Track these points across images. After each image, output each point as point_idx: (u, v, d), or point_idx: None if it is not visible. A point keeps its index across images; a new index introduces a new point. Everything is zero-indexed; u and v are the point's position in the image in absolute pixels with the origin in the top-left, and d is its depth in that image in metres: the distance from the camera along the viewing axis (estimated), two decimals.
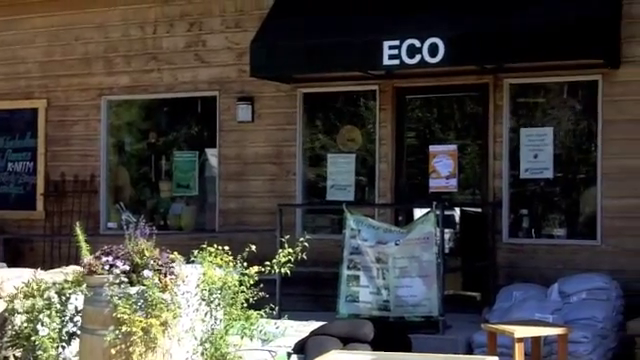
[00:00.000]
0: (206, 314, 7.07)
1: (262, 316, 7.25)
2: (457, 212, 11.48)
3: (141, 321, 6.54)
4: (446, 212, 10.24)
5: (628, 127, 9.91)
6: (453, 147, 10.85)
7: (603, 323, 8.97)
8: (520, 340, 7.53)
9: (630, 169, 9.87)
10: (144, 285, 6.68)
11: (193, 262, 7.32)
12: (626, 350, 9.08)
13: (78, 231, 7.43)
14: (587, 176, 10.42)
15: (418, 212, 10.45)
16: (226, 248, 7.33)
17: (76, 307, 7.16)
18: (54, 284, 7.23)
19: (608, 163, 10.01)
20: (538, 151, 10.39)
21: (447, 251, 10.88)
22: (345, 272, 9.84)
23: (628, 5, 9.90)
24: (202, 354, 7.02)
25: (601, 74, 10.05)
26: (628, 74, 9.94)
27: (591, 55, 9.54)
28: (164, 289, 6.74)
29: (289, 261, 7.30)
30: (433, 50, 9.73)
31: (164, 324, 6.64)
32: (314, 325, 8.73)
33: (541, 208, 10.70)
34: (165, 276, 6.82)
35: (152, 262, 6.86)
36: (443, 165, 10.73)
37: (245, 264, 7.24)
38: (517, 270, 10.29)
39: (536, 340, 7.98)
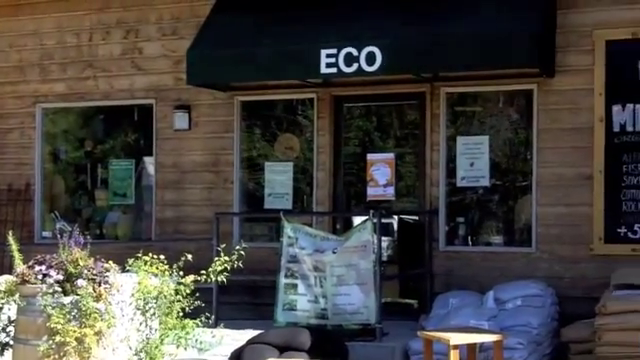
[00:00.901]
0: (141, 323, 7.03)
1: (198, 325, 7.24)
2: (395, 220, 11.52)
3: (75, 331, 6.49)
4: (384, 220, 10.27)
5: (562, 136, 10.04)
6: (390, 155, 10.90)
7: (538, 330, 9.06)
8: (455, 347, 7.57)
9: (564, 177, 10.00)
10: (78, 294, 6.64)
11: (129, 271, 7.27)
12: (561, 356, 9.20)
13: (11, 240, 7.34)
14: (523, 184, 10.53)
15: (357, 220, 10.47)
16: (162, 257, 7.29)
17: (9, 317, 7.08)
18: None
19: (543, 171, 10.13)
20: (474, 159, 10.48)
21: (385, 259, 10.90)
22: (283, 280, 9.81)
23: (563, 15, 10.03)
24: None
25: (536, 83, 10.17)
26: (563, 83, 10.07)
27: (526, 64, 9.65)
28: (98, 298, 6.69)
29: (225, 269, 7.30)
30: (370, 59, 9.78)
31: (98, 334, 6.60)
32: (251, 334, 8.70)
33: (478, 216, 10.80)
34: (99, 285, 6.78)
35: (86, 271, 6.81)
36: (381, 173, 10.77)
37: (181, 273, 7.21)
38: (454, 277, 10.36)
39: (472, 347, 8.03)
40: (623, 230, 9.78)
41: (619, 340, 8.21)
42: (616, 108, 9.83)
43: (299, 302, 9.73)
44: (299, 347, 8.19)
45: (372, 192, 10.84)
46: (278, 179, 11.28)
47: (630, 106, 9.78)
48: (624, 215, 9.77)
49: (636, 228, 9.72)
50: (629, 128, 9.78)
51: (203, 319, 7.33)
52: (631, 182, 9.76)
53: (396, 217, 11.38)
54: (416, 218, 11.07)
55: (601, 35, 9.88)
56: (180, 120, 11.59)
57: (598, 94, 9.88)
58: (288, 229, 9.84)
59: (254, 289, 10.68)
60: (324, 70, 10.00)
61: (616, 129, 9.83)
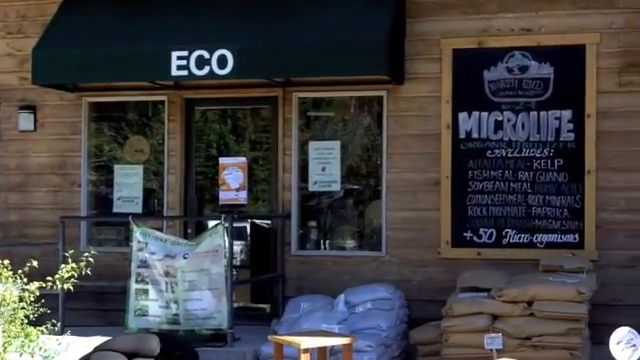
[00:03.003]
0: None
1: (43, 332, 7.04)
2: (248, 224, 11.50)
3: None
4: (237, 224, 10.23)
5: (411, 142, 10.22)
6: (242, 159, 10.87)
7: (387, 332, 9.21)
8: (306, 351, 7.61)
9: (412, 182, 10.19)
10: None
11: None
12: (409, 358, 9.39)
13: None
14: (373, 189, 10.68)
15: (210, 225, 10.39)
16: (6, 262, 7.07)
17: None
18: None
19: (392, 176, 10.29)
20: (326, 164, 10.57)
21: (238, 263, 10.88)
22: (133, 286, 9.66)
23: (412, 23, 10.23)
24: None
25: (386, 90, 10.33)
26: (411, 90, 10.25)
27: (375, 71, 9.76)
28: None
29: (72, 276, 7.12)
30: (222, 62, 9.73)
31: None
32: (99, 340, 8.52)
33: (329, 220, 10.89)
34: None
35: None
36: (233, 177, 10.73)
37: (26, 279, 7.00)
38: (306, 281, 10.42)
39: (322, 350, 8.08)
40: (469, 234, 10.04)
41: (465, 342, 8.42)
42: (462, 115, 10.09)
43: (150, 308, 9.61)
44: (148, 354, 8.06)
45: (224, 196, 10.78)
46: (128, 182, 11.10)
47: (476, 114, 10.05)
48: (470, 220, 10.04)
49: (481, 232, 10.00)
50: (474, 135, 10.06)
51: (49, 326, 7.15)
52: (476, 187, 10.04)
53: (249, 221, 11.35)
54: (269, 222, 11.08)
55: (448, 44, 10.12)
56: (25, 121, 11.25)
57: (445, 102, 10.11)
58: (137, 233, 9.69)
59: (103, 295, 10.48)
60: (175, 72, 9.90)
61: (462, 136, 10.08)
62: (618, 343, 5.52)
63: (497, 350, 7.95)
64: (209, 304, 9.41)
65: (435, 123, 10.15)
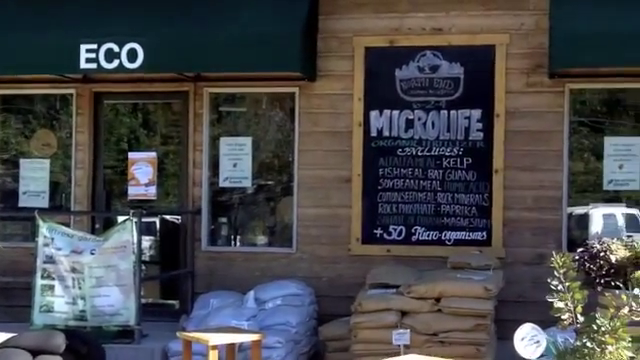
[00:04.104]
0: None
1: None
2: (158, 220, 11.40)
3: None
4: (146, 220, 10.14)
5: (323, 139, 10.25)
6: (152, 154, 10.77)
7: (297, 328, 9.23)
8: (214, 348, 7.57)
9: (324, 179, 10.21)
10: None
11: None
12: (318, 354, 9.42)
13: None
14: (285, 186, 10.68)
15: (119, 220, 10.27)
16: None
17: None
18: None
19: (303, 173, 10.30)
20: (237, 160, 10.54)
21: (147, 259, 10.79)
22: (39, 282, 9.50)
23: (324, 20, 10.24)
24: None
25: (298, 87, 10.34)
26: (324, 87, 10.27)
27: (287, 68, 9.76)
28: None
29: None
30: (132, 55, 9.61)
31: None
32: (3, 337, 8.34)
33: (240, 216, 10.87)
34: None
35: None
36: (142, 172, 10.62)
37: None
38: (216, 278, 10.37)
39: (231, 347, 8.05)
40: (379, 231, 10.11)
41: (373, 337, 8.45)
42: (374, 113, 10.15)
43: (56, 304, 9.47)
44: (53, 350, 7.92)
45: (133, 191, 10.68)
46: (34, 176, 10.90)
47: (387, 112, 10.12)
48: (380, 217, 10.11)
49: (391, 229, 10.08)
50: (385, 133, 10.12)
51: None
52: (387, 185, 10.11)
53: (159, 217, 11.26)
54: (179, 218, 11.00)
55: (360, 42, 10.16)
56: None
57: (357, 99, 10.15)
58: (43, 229, 9.53)
59: (8, 290, 10.29)
60: (83, 65, 9.74)
61: (373, 134, 10.14)
62: (522, 339, 5.57)
63: (405, 346, 8.01)
64: (117, 300, 9.31)
65: (347, 121, 10.19)
